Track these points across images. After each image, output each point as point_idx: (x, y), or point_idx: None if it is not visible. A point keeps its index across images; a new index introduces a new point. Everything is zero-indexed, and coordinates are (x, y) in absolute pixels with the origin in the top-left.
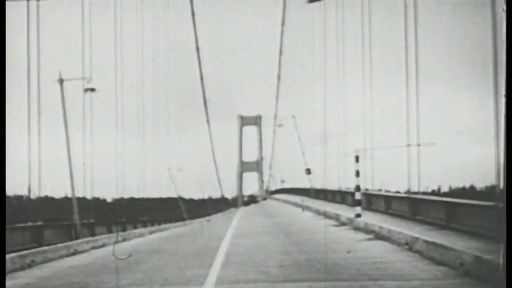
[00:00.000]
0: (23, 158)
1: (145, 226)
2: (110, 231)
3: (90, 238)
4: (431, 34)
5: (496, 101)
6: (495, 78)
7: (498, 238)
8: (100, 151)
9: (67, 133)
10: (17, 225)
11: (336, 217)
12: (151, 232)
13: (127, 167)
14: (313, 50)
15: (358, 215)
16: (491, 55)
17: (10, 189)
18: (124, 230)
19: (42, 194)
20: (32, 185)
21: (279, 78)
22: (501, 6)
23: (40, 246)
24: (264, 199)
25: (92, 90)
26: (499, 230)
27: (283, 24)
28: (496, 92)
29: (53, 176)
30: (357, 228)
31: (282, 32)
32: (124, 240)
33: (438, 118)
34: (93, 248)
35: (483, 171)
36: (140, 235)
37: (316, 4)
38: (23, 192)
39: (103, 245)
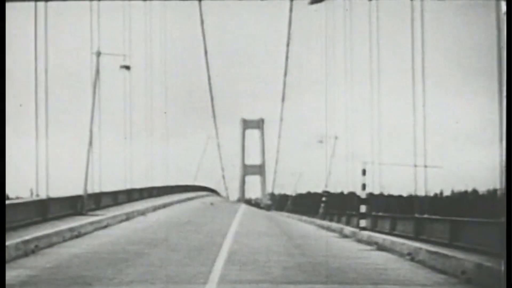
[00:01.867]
0: (26, 159)
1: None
2: (116, 202)
3: (94, 219)
4: (437, 38)
5: (501, 105)
6: (499, 82)
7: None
8: (107, 155)
9: (91, 130)
10: (22, 200)
11: (340, 231)
12: (154, 209)
13: (133, 171)
14: (320, 54)
15: (363, 228)
16: (496, 59)
17: (12, 192)
18: (129, 200)
19: (45, 196)
20: (33, 185)
21: (284, 84)
22: (503, 10)
23: (45, 220)
24: (269, 209)
25: (127, 67)
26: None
27: (289, 28)
28: (500, 96)
29: (55, 177)
30: (359, 241)
31: (288, 37)
32: (127, 219)
33: (441, 122)
34: (96, 229)
35: (485, 175)
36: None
37: (322, 10)
38: (26, 194)
39: (106, 226)
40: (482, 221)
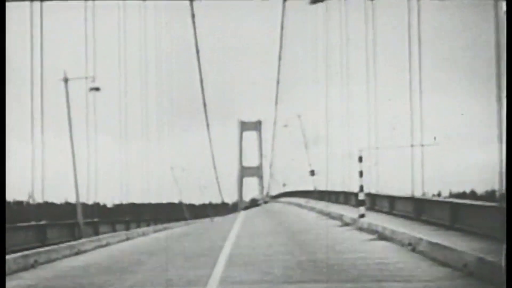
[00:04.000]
0: (23, 163)
1: (148, 225)
2: (114, 230)
3: (94, 238)
4: (434, 38)
5: (499, 105)
6: (497, 82)
7: (500, 239)
8: (102, 155)
9: (71, 135)
10: (20, 224)
11: (339, 218)
12: (155, 231)
13: (129, 172)
14: (314, 53)
15: (362, 216)
16: (494, 59)
17: (9, 195)
18: (127, 229)
19: (42, 200)
20: (31, 190)
21: (278, 82)
22: (503, 9)
23: (44, 245)
24: (266, 202)
25: (97, 89)
26: (501, 231)
27: (282, 28)
28: (499, 95)
29: (53, 181)
30: (361, 229)
31: (281, 36)
32: (127, 239)
33: (439, 122)
34: (97, 247)
35: (484, 176)
36: (144, 234)
37: (319, 8)
38: (23, 198)
39: (106, 245)
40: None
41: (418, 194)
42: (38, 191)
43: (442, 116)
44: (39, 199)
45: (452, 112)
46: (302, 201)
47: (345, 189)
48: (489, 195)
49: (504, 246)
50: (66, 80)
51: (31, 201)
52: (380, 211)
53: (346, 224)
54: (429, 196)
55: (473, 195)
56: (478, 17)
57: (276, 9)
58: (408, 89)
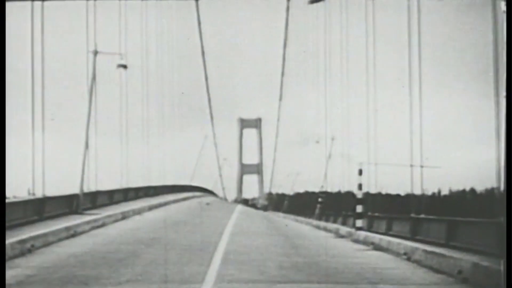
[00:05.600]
0: (22, 159)
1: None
2: (112, 201)
3: (91, 218)
4: (433, 38)
5: (497, 104)
6: (496, 81)
7: (498, 254)
8: (104, 152)
9: (87, 131)
10: (19, 199)
11: (335, 231)
12: (150, 208)
13: (129, 171)
14: (317, 52)
15: (359, 228)
16: (492, 58)
17: (9, 192)
18: (125, 199)
19: (41, 195)
20: (32, 186)
21: (281, 84)
22: (502, 9)
23: (41, 219)
24: (265, 210)
25: (124, 67)
26: (499, 246)
27: (286, 28)
28: (497, 95)
29: (53, 178)
30: (356, 241)
31: (285, 36)
32: (123, 218)
33: (438, 121)
34: (93, 228)
35: (483, 174)
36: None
37: (320, 8)
38: (23, 194)
39: (102, 225)
40: (479, 221)
41: (417, 192)
42: (39, 189)
43: (442, 115)
44: (39, 195)
45: (452, 111)
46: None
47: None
48: (489, 193)
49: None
50: (95, 53)
51: (30, 197)
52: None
53: (342, 237)
54: (428, 193)
55: (472, 192)
56: (477, 17)
57: (280, 8)
58: (407, 89)
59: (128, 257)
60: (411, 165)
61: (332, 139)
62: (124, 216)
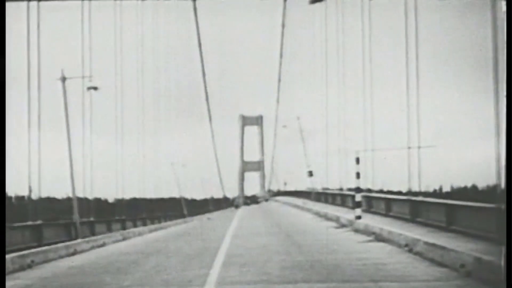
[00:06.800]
0: (23, 158)
1: (145, 224)
2: (110, 229)
3: (91, 238)
4: (431, 35)
5: (497, 101)
6: (495, 79)
7: (498, 240)
8: (101, 150)
9: (68, 133)
10: (17, 224)
11: (336, 219)
12: (150, 231)
13: (129, 168)
14: (314, 50)
15: (359, 217)
16: (491, 56)
17: (11, 190)
18: (123, 228)
19: (44, 195)
20: (32, 185)
21: (279, 80)
22: (502, 8)
23: (40, 245)
24: (266, 200)
25: (95, 88)
26: (499, 232)
27: (283, 26)
28: (497, 92)
29: (55, 176)
30: (357, 230)
31: (282, 34)
32: (124, 239)
33: (438, 118)
34: (93, 248)
35: (485, 170)
36: (140, 234)
37: (317, 6)
38: (24, 193)
39: (103, 245)
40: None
41: (416, 189)
42: (39, 187)
43: (442, 114)
44: (40, 194)
45: (452, 110)
46: (299, 202)
47: (343, 188)
48: (490, 190)
49: (504, 248)
50: (63, 79)
51: (32, 196)
52: (376, 213)
53: (343, 226)
54: (429, 190)
55: (474, 189)
56: (476, 17)
57: (277, 8)
58: (406, 88)
59: None
60: (409, 147)
61: (298, 118)
62: None
